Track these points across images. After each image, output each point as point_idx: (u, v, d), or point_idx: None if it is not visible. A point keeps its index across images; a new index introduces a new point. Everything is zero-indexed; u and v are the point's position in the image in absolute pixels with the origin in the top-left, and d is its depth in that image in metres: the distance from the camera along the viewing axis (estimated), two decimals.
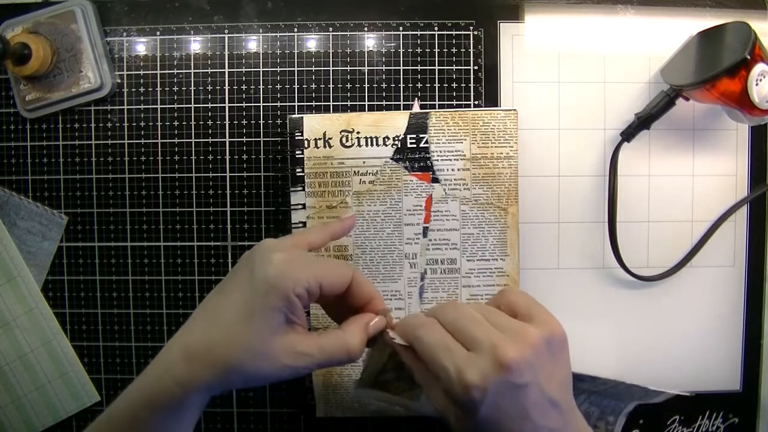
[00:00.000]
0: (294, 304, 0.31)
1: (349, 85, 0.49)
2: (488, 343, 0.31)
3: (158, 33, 0.49)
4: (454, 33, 0.49)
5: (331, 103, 0.49)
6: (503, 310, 0.35)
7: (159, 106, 0.49)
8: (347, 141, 0.47)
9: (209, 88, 0.49)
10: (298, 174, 0.48)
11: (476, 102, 0.49)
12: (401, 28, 0.49)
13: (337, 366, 0.35)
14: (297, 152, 0.48)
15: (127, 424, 0.32)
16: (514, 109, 0.47)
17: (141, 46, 0.49)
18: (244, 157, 0.49)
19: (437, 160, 0.47)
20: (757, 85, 0.41)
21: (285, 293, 0.31)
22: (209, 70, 0.49)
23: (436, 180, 0.47)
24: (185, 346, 0.32)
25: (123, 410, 0.32)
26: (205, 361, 0.31)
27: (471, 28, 0.49)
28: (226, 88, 0.49)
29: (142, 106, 0.49)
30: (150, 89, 0.49)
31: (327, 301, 0.36)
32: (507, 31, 0.49)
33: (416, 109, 0.48)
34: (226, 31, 0.49)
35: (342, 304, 0.36)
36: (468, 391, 0.30)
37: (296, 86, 0.49)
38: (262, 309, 0.31)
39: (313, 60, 0.49)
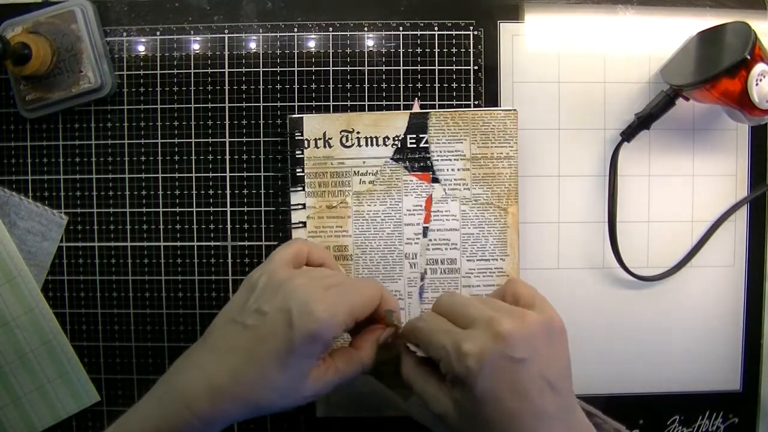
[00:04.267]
0: (331, 346, 0.32)
1: (349, 85, 0.49)
2: (485, 318, 0.31)
3: (158, 33, 0.49)
4: (454, 33, 0.49)
5: (331, 103, 0.49)
6: (507, 300, 0.36)
7: (159, 106, 0.49)
8: (347, 141, 0.47)
9: (209, 88, 0.49)
10: (298, 174, 0.48)
11: (476, 102, 0.49)
12: (401, 28, 0.49)
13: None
14: (297, 152, 0.48)
15: None
16: (514, 109, 0.47)
17: (141, 46, 0.49)
18: (244, 157, 0.49)
19: (437, 160, 0.47)
20: (757, 85, 0.41)
21: (327, 342, 0.32)
22: (209, 70, 0.49)
23: (436, 180, 0.47)
24: (211, 383, 0.32)
25: None
26: (234, 400, 0.31)
27: (471, 28, 0.49)
28: (226, 88, 0.49)
29: (142, 106, 0.49)
30: (150, 89, 0.49)
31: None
32: (507, 31, 0.49)
33: (416, 109, 0.48)
34: (226, 31, 0.49)
35: None
36: (465, 360, 0.30)
37: (296, 86, 0.49)
38: (300, 359, 0.32)
39: (313, 60, 0.49)
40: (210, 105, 0.49)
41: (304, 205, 0.48)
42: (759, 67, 0.41)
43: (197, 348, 0.35)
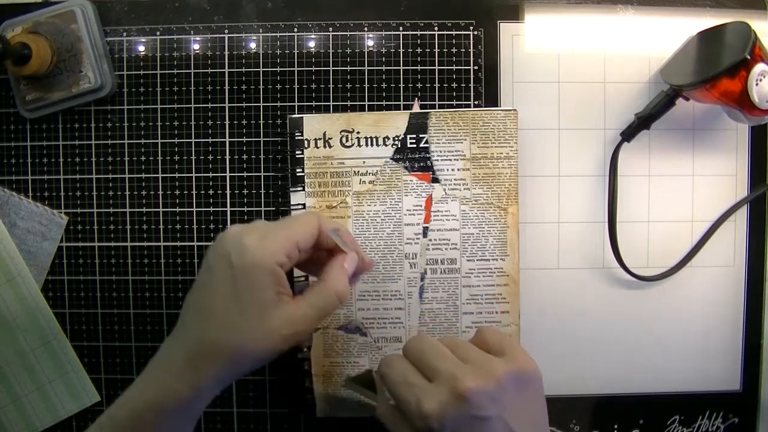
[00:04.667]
0: (279, 276, 0.32)
1: (349, 85, 0.49)
2: (447, 374, 0.31)
3: (158, 33, 0.49)
4: (454, 33, 0.49)
5: (331, 103, 0.49)
6: (477, 347, 0.35)
7: (159, 106, 0.49)
8: (347, 141, 0.47)
9: (209, 88, 0.49)
10: (298, 174, 0.48)
11: (476, 102, 0.49)
12: (401, 28, 0.49)
13: (332, 313, 0.36)
14: (297, 152, 0.48)
15: (132, 429, 0.32)
16: (514, 109, 0.47)
17: (141, 46, 0.49)
18: (244, 157, 0.49)
19: (437, 160, 0.47)
20: (757, 85, 0.41)
21: (269, 268, 0.31)
22: (209, 70, 0.49)
23: (436, 180, 0.47)
24: (185, 351, 0.32)
25: (126, 417, 0.32)
26: (209, 359, 0.32)
27: (471, 28, 0.49)
28: (226, 88, 0.49)
29: (142, 106, 0.49)
30: (150, 89, 0.49)
31: (301, 258, 0.36)
32: (507, 31, 0.49)
33: (416, 109, 0.48)
34: (226, 31, 0.49)
35: (311, 254, 0.36)
36: (426, 421, 0.30)
37: (296, 86, 0.49)
38: (250, 292, 0.31)
39: (313, 60, 0.49)
40: (210, 105, 0.49)
41: (304, 205, 0.48)
42: (759, 67, 0.41)
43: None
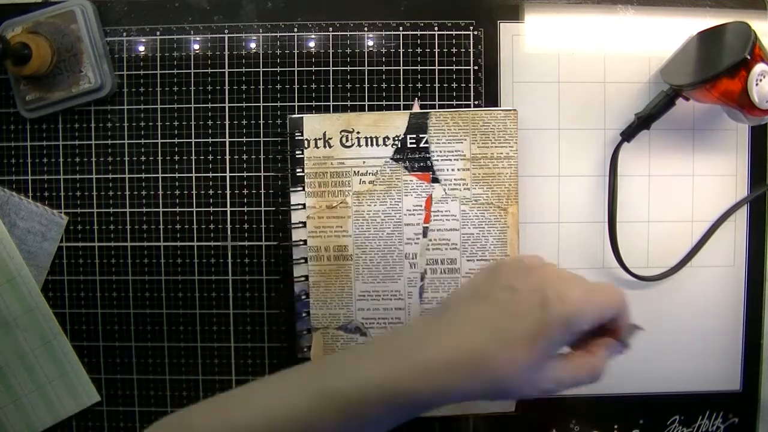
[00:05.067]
0: (570, 334, 0.31)
1: (349, 85, 0.49)
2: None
3: (158, 33, 0.49)
4: (454, 33, 0.49)
5: (331, 103, 0.49)
6: None
7: (159, 106, 0.49)
8: (347, 141, 0.47)
9: (209, 88, 0.49)
10: (298, 174, 0.48)
11: (476, 102, 0.49)
12: (401, 28, 0.49)
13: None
14: (297, 152, 0.48)
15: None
16: (514, 109, 0.47)
17: (141, 46, 0.49)
18: (244, 157, 0.49)
19: (437, 160, 0.47)
20: (757, 85, 0.41)
21: (577, 331, 0.31)
22: (209, 70, 0.49)
23: (436, 180, 0.47)
24: (447, 356, 0.30)
25: (303, 409, 0.30)
26: (476, 372, 0.30)
27: (471, 28, 0.49)
28: (226, 88, 0.49)
29: (142, 106, 0.49)
30: (150, 89, 0.49)
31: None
32: (507, 31, 0.49)
33: (416, 109, 0.48)
34: (226, 31, 0.49)
35: None
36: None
37: (296, 86, 0.49)
38: (548, 342, 0.31)
39: (313, 60, 0.49)
40: (210, 105, 0.49)
41: (304, 205, 0.48)
42: (759, 67, 0.41)
43: (425, 324, 0.34)
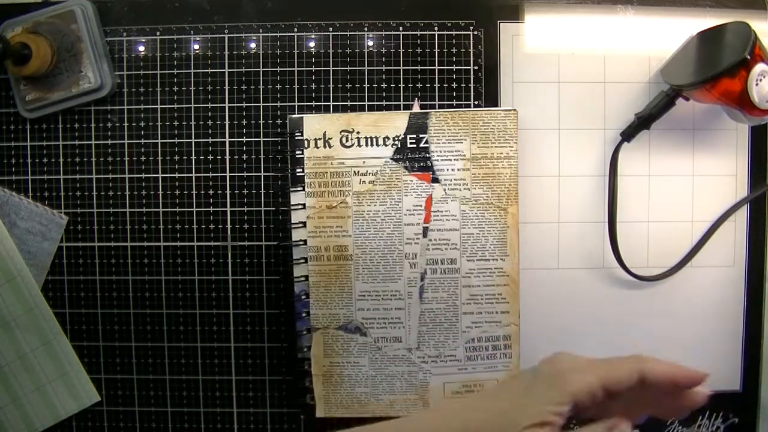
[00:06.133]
0: (572, 409, 0.32)
1: (349, 85, 0.49)
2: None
3: (158, 33, 0.49)
4: (454, 33, 0.49)
5: (331, 103, 0.49)
6: None
7: (159, 106, 0.49)
8: (347, 141, 0.47)
9: (209, 88, 0.49)
10: (298, 174, 0.48)
11: (476, 102, 0.49)
12: (401, 28, 0.49)
13: None
14: (297, 152, 0.48)
15: None
16: (514, 109, 0.47)
17: (141, 46, 0.49)
18: (244, 157, 0.49)
19: (437, 160, 0.47)
20: (757, 85, 0.41)
21: (564, 399, 0.32)
22: (209, 70, 0.49)
23: (436, 180, 0.47)
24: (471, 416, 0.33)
25: None
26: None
27: (471, 28, 0.49)
28: (226, 88, 0.49)
29: (142, 106, 0.49)
30: (150, 89, 0.49)
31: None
32: (507, 31, 0.49)
33: (416, 109, 0.48)
34: (226, 31, 0.49)
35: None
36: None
37: (296, 86, 0.49)
38: (538, 399, 0.32)
39: (313, 60, 0.49)
40: (210, 105, 0.49)
41: (304, 205, 0.48)
42: (759, 67, 0.41)
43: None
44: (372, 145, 0.47)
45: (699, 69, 0.44)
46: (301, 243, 0.48)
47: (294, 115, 0.48)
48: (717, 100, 0.43)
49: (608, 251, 0.48)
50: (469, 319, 0.48)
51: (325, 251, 0.48)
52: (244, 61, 0.49)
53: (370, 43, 0.49)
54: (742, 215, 0.50)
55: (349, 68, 0.49)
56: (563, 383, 0.32)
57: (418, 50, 0.49)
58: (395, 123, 0.47)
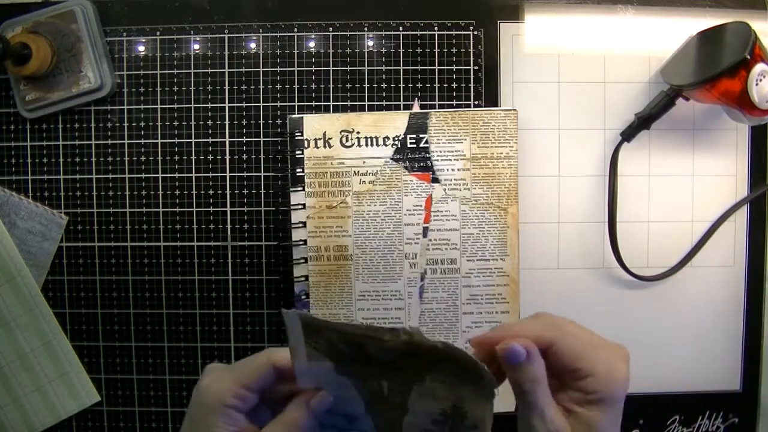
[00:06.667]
0: (231, 416, 0.32)
1: (349, 85, 0.49)
2: (612, 345, 0.32)
3: (158, 33, 0.49)
4: (454, 33, 0.49)
5: (331, 103, 0.49)
6: None
7: (159, 106, 0.49)
8: (347, 141, 0.47)
9: (209, 88, 0.49)
10: (298, 174, 0.48)
11: (476, 102, 0.49)
12: (401, 28, 0.49)
13: None
14: (297, 152, 0.48)
15: None
16: (514, 109, 0.47)
17: (141, 46, 0.49)
18: (244, 157, 0.49)
19: (437, 160, 0.47)
20: (757, 85, 0.41)
21: (218, 410, 0.32)
22: (209, 70, 0.49)
23: (436, 180, 0.47)
24: None
25: None
26: None
27: (471, 28, 0.49)
28: (226, 88, 0.49)
29: (142, 106, 0.49)
30: (150, 89, 0.49)
31: (278, 395, 0.36)
32: (507, 31, 0.49)
33: (416, 109, 0.48)
34: (226, 31, 0.49)
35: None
36: (620, 384, 0.31)
37: (296, 86, 0.49)
38: (205, 429, 0.32)
39: (313, 60, 0.49)
40: (210, 105, 0.49)
41: (304, 205, 0.48)
42: (759, 67, 0.41)
43: None
44: (372, 145, 0.47)
45: (699, 69, 0.44)
46: (301, 243, 0.48)
47: (294, 115, 0.48)
48: (717, 100, 0.43)
49: (608, 251, 0.48)
50: (469, 319, 0.48)
51: (325, 251, 0.48)
52: (244, 61, 0.49)
53: (370, 43, 0.49)
54: (742, 215, 0.50)
55: (349, 68, 0.49)
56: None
57: (418, 50, 0.49)
58: (395, 123, 0.47)
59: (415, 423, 0.35)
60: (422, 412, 0.34)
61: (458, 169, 0.47)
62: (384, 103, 0.49)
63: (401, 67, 0.49)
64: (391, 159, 0.47)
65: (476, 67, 0.49)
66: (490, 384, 0.32)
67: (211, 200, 0.49)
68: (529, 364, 0.32)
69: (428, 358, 0.32)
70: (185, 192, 0.49)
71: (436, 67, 0.49)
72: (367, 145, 0.47)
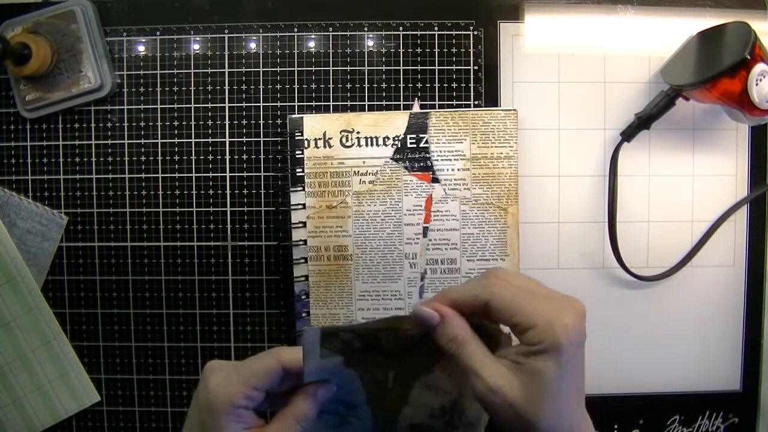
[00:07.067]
0: (240, 415, 0.33)
1: (349, 85, 0.49)
2: (564, 298, 0.32)
3: (158, 33, 0.49)
4: (454, 33, 0.49)
5: (331, 103, 0.49)
6: None
7: (159, 106, 0.49)
8: (347, 141, 0.47)
9: (209, 88, 0.49)
10: (298, 174, 0.48)
11: (476, 102, 0.49)
12: (401, 28, 0.49)
13: None
14: (297, 152, 0.48)
15: None
16: (514, 109, 0.47)
17: (141, 46, 0.49)
18: (244, 157, 0.49)
19: (437, 160, 0.47)
20: (757, 85, 0.41)
21: (227, 411, 0.32)
22: (209, 70, 0.49)
23: (436, 180, 0.47)
24: None
25: None
26: None
27: (471, 28, 0.49)
28: (226, 88, 0.49)
29: (142, 106, 0.49)
30: (150, 89, 0.49)
31: (282, 388, 0.36)
32: (507, 31, 0.49)
33: (416, 109, 0.48)
34: (226, 31, 0.49)
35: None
36: (565, 332, 0.30)
37: (296, 86, 0.49)
38: (215, 430, 0.32)
39: (313, 60, 0.49)
40: (210, 105, 0.49)
41: (304, 205, 0.48)
42: (759, 67, 0.41)
43: None
44: (372, 145, 0.47)
45: (699, 69, 0.44)
46: (301, 243, 0.48)
47: (294, 115, 0.48)
48: (717, 100, 0.43)
49: (608, 251, 0.48)
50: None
51: (325, 251, 0.48)
52: (244, 61, 0.49)
53: (370, 43, 0.49)
54: (742, 215, 0.50)
55: (349, 68, 0.49)
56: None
57: (418, 50, 0.49)
58: (395, 123, 0.47)
59: (413, 415, 0.35)
60: (422, 405, 0.35)
61: (458, 169, 0.47)
62: (384, 103, 0.49)
63: (401, 67, 0.49)
64: (391, 159, 0.47)
65: (476, 67, 0.49)
66: None
67: (211, 200, 0.49)
68: (444, 325, 0.32)
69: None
70: (185, 192, 0.49)
71: (436, 67, 0.49)
72: (367, 145, 0.47)
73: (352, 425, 0.36)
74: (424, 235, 0.48)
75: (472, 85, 0.49)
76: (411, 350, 0.34)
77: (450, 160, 0.47)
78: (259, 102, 0.49)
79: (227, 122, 0.49)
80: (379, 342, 0.33)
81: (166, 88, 0.49)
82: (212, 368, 0.34)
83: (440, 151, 0.47)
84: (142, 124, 0.49)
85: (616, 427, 0.50)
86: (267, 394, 0.34)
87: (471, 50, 0.49)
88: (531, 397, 0.30)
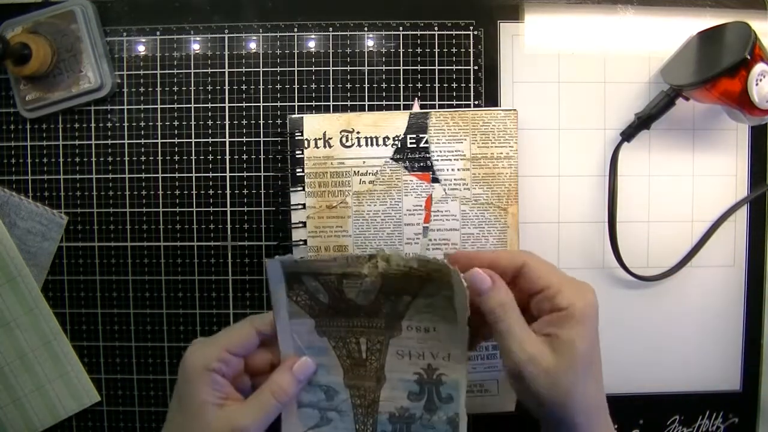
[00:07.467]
0: (215, 381, 0.33)
1: (349, 85, 0.49)
2: (579, 281, 0.35)
3: (158, 33, 0.49)
4: (454, 33, 0.49)
5: (331, 103, 0.49)
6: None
7: (159, 106, 0.49)
8: (347, 141, 0.47)
9: (209, 88, 0.49)
10: (298, 174, 0.48)
11: (476, 102, 0.49)
12: (401, 28, 0.49)
13: (279, 414, 0.36)
14: (297, 152, 0.48)
15: None
16: (514, 109, 0.47)
17: (141, 46, 0.49)
18: (244, 157, 0.49)
19: (437, 160, 0.47)
20: (757, 85, 0.41)
21: (201, 374, 0.33)
22: (209, 70, 0.49)
23: (436, 180, 0.47)
24: None
25: None
26: None
27: (471, 28, 0.49)
28: (226, 88, 0.49)
29: (142, 106, 0.49)
30: (150, 89, 0.49)
31: (260, 365, 0.37)
32: (507, 31, 0.49)
33: (416, 109, 0.48)
34: (226, 31, 0.49)
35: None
36: (591, 297, 0.33)
37: (296, 86, 0.49)
38: (189, 396, 0.33)
39: (313, 60, 0.49)
40: (210, 105, 0.49)
41: (304, 205, 0.48)
42: (759, 67, 0.41)
43: None
44: (372, 145, 0.47)
45: (699, 69, 0.44)
46: (301, 243, 0.48)
47: (294, 115, 0.48)
48: (717, 100, 0.43)
49: (608, 251, 0.48)
50: None
51: (325, 251, 0.48)
52: (244, 61, 0.49)
53: (370, 43, 0.49)
54: (742, 215, 0.50)
55: (349, 68, 0.49)
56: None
57: (418, 50, 0.49)
58: (395, 123, 0.47)
59: (392, 398, 0.35)
60: (399, 380, 0.35)
61: (458, 169, 0.47)
62: (384, 103, 0.49)
63: (401, 67, 0.49)
64: (391, 159, 0.47)
65: (476, 67, 0.49)
66: (462, 305, 0.32)
67: (211, 200, 0.49)
68: (494, 290, 0.33)
69: (406, 291, 0.34)
70: (185, 192, 0.49)
71: (436, 67, 0.49)
72: (367, 145, 0.47)
73: (333, 422, 0.36)
74: (424, 235, 0.48)
75: (472, 85, 0.49)
76: (375, 307, 0.35)
77: (450, 160, 0.47)
78: (259, 102, 0.49)
79: (227, 122, 0.49)
80: (343, 294, 0.34)
81: (166, 88, 0.49)
82: (193, 342, 0.35)
83: (440, 151, 0.47)
84: (142, 124, 0.49)
85: (616, 427, 0.50)
86: (248, 371, 0.35)
87: (471, 50, 0.49)
88: (566, 365, 0.32)
